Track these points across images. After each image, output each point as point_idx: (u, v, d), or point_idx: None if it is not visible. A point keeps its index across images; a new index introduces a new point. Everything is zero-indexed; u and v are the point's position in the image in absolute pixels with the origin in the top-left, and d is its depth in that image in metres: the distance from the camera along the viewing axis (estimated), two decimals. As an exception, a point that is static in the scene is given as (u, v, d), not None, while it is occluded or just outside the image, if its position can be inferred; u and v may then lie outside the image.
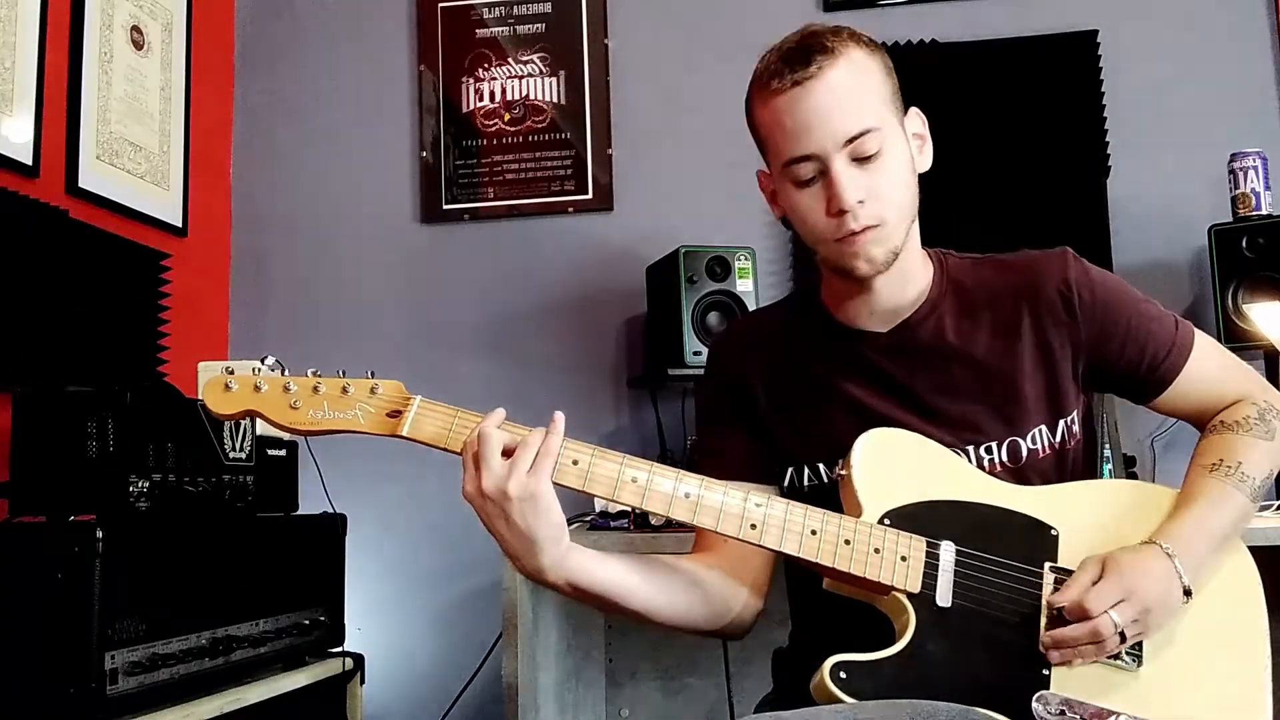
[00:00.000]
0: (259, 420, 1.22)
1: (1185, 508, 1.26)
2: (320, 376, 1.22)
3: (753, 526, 1.22)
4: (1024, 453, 1.31)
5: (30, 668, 1.62)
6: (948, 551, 1.23)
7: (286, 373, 1.24)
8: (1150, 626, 1.19)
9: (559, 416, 1.20)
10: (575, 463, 1.20)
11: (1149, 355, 1.34)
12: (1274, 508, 2.02)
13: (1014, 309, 1.34)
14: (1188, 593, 1.21)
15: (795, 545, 1.22)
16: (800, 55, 1.24)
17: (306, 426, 1.20)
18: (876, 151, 1.24)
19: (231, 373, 1.21)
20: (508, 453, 1.17)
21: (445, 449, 1.20)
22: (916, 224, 1.34)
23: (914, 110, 1.34)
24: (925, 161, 1.35)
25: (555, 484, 1.18)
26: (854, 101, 1.24)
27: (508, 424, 1.20)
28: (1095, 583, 1.19)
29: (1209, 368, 1.37)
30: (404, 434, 1.20)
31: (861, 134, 1.23)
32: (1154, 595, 1.18)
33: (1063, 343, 1.33)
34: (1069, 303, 1.32)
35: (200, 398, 1.21)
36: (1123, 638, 1.18)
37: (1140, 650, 1.22)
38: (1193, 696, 1.22)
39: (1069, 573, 1.23)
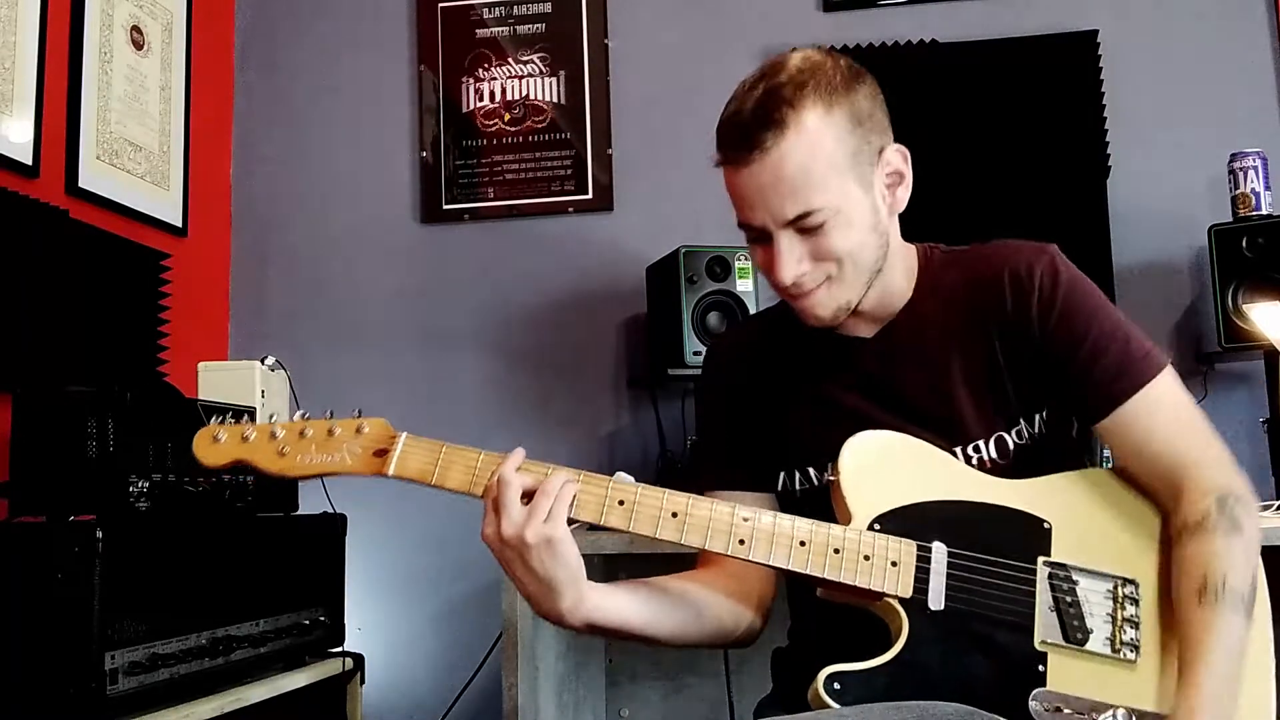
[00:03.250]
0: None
1: (1193, 665, 1.17)
2: (307, 420, 1.24)
3: (741, 542, 1.21)
4: (1011, 447, 1.30)
5: (30, 668, 1.62)
6: (939, 553, 1.23)
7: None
8: None
9: (565, 481, 1.19)
10: None
11: (1099, 373, 1.27)
12: (1274, 508, 2.02)
13: (985, 302, 1.32)
14: None
15: (784, 558, 1.22)
16: (748, 128, 1.22)
17: (296, 472, 1.22)
18: (823, 224, 1.24)
19: (224, 422, 1.23)
20: (527, 496, 1.18)
21: (434, 485, 1.22)
22: (892, 240, 1.33)
23: (893, 148, 1.29)
24: (901, 201, 1.31)
25: None
26: (797, 182, 1.22)
27: (528, 462, 1.21)
28: None
29: (1166, 414, 1.27)
30: (390, 473, 1.21)
31: (802, 215, 1.23)
32: None
33: (1024, 341, 1.30)
34: (1025, 297, 1.29)
35: (191, 452, 1.23)
36: None
37: (1139, 644, 1.22)
38: None
39: (1063, 566, 1.23)
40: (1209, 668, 1.17)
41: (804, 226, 1.24)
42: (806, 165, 1.22)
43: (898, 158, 1.30)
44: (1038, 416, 1.32)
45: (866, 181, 1.27)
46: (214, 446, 1.23)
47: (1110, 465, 1.36)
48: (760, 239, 1.29)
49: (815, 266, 1.27)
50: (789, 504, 1.37)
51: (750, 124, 1.22)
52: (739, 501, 1.30)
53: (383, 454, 1.22)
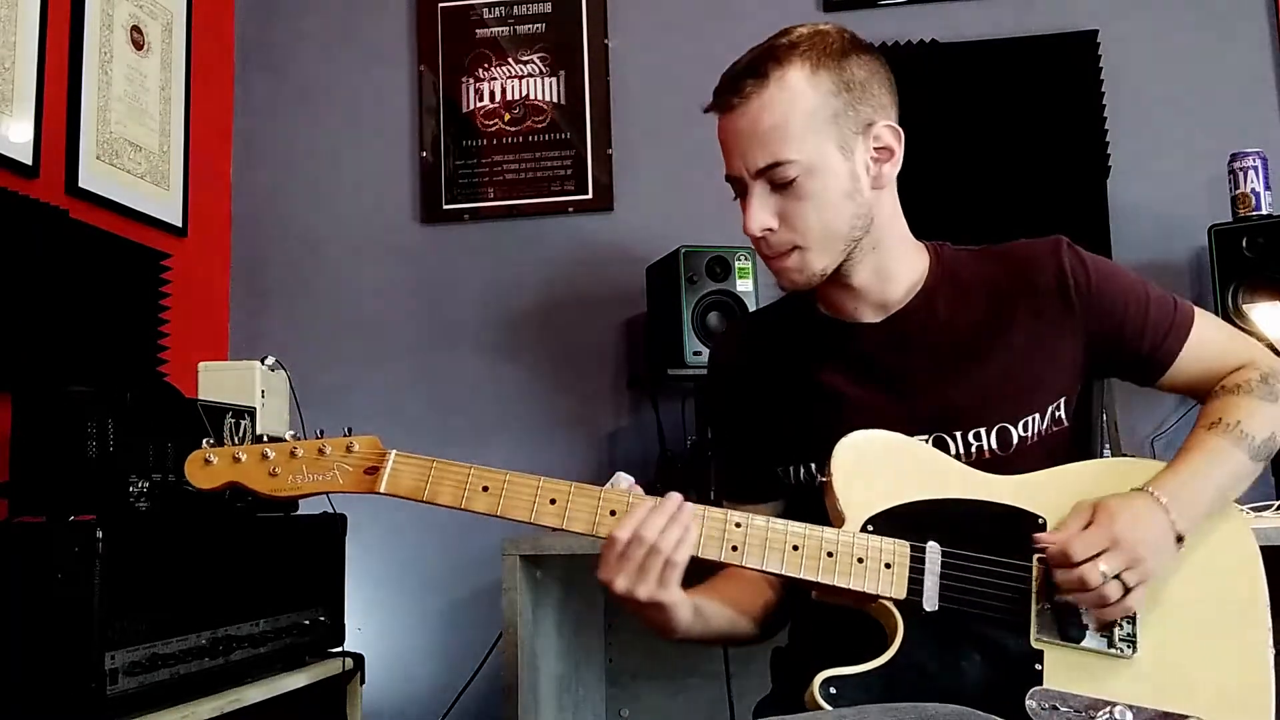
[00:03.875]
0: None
1: (1180, 459, 1.28)
2: (297, 440, 1.25)
3: (734, 549, 1.22)
4: (1014, 439, 1.31)
5: (30, 667, 1.62)
6: (933, 553, 1.23)
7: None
8: (1146, 573, 1.19)
9: (692, 527, 1.21)
10: (553, 501, 1.22)
11: (1149, 336, 1.34)
12: (1274, 508, 2.02)
13: (1007, 298, 1.33)
14: (1180, 539, 1.21)
15: (778, 563, 1.22)
16: (737, 77, 1.27)
17: (288, 492, 1.24)
18: (794, 179, 1.25)
19: (213, 444, 1.25)
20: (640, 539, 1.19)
21: (425, 502, 1.23)
22: (895, 223, 1.34)
23: (885, 124, 1.30)
24: (887, 177, 1.32)
25: (530, 523, 1.22)
26: (772, 132, 1.25)
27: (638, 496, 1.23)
28: (1084, 529, 1.20)
29: (1210, 343, 1.37)
30: (381, 490, 1.23)
31: (773, 166, 1.25)
32: (1145, 542, 1.18)
33: (1060, 331, 1.32)
34: (1065, 290, 1.32)
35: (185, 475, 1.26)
36: (1125, 588, 1.17)
37: (1135, 638, 1.22)
38: (1191, 684, 1.22)
39: None
40: (1190, 466, 1.27)
41: (775, 179, 1.26)
42: (782, 117, 1.25)
43: (889, 134, 1.31)
44: (1052, 407, 1.33)
45: (847, 148, 1.28)
46: (206, 469, 1.25)
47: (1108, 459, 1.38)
48: (742, 193, 1.31)
49: (784, 229, 1.28)
50: (796, 497, 1.38)
51: (740, 73, 1.28)
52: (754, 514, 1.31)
53: (373, 471, 1.23)
